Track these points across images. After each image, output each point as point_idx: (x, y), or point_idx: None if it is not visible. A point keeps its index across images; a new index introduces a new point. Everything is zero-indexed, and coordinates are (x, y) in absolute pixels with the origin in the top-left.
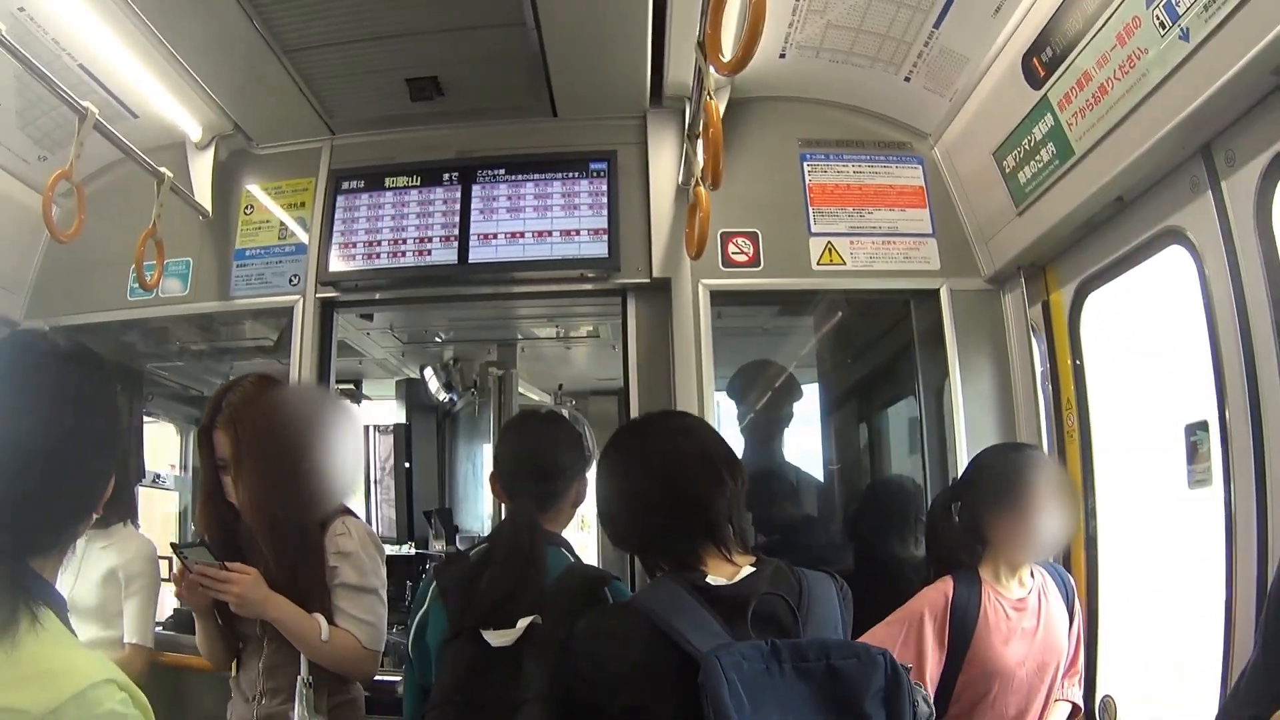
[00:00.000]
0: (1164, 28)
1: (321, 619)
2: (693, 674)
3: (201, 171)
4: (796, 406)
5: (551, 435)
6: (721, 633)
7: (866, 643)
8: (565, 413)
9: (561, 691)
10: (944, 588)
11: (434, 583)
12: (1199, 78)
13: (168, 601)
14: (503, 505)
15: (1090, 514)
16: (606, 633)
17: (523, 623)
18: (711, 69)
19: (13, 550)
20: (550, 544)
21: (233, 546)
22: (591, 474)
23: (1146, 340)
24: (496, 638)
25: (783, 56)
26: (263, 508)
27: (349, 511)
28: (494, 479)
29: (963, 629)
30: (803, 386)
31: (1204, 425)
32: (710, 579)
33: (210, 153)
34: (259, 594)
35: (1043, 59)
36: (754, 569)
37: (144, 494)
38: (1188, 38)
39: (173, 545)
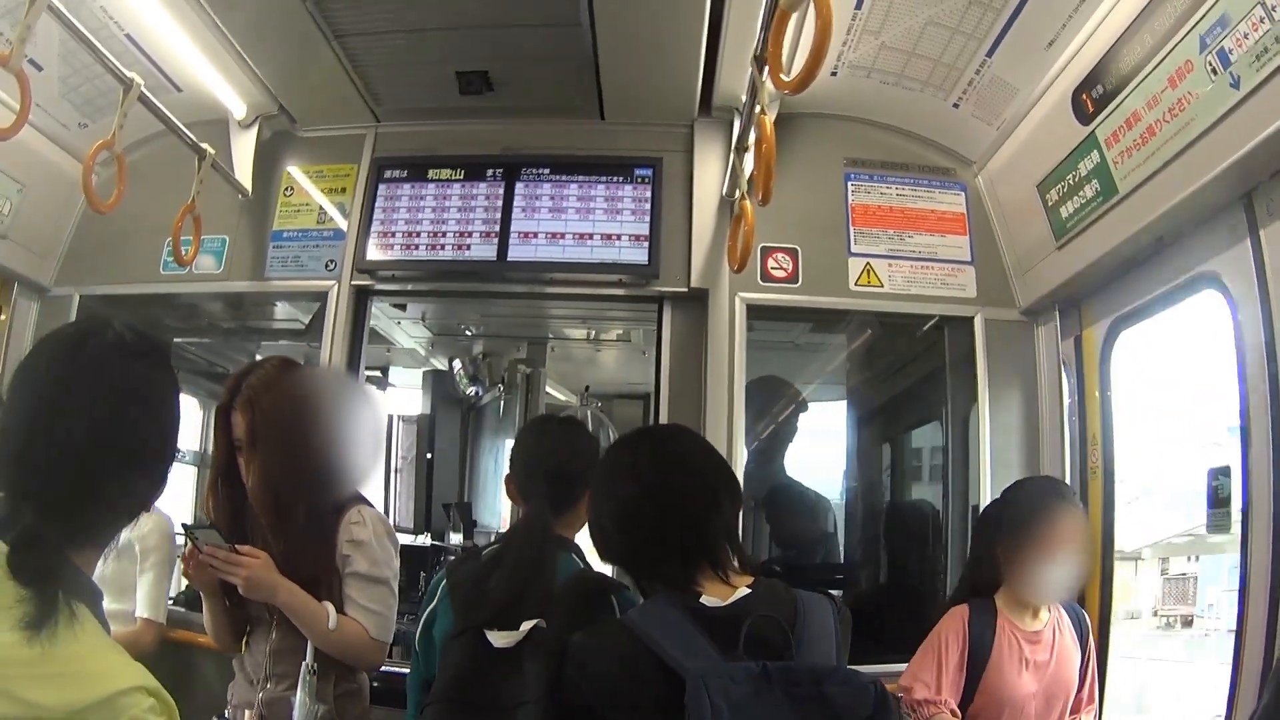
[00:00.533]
0: (1215, 74)
1: (330, 607)
2: (681, 695)
3: (243, 150)
4: (803, 422)
5: (568, 440)
6: (712, 654)
7: (857, 669)
8: (588, 415)
9: (557, 700)
10: (961, 614)
11: (445, 579)
12: (1246, 125)
13: (180, 578)
14: (516, 505)
15: (1109, 553)
16: (599, 649)
17: (526, 625)
18: (767, 83)
19: (58, 542)
20: (561, 549)
21: (240, 529)
22: None
23: (1176, 381)
24: (499, 638)
25: (834, 74)
26: (271, 490)
27: (364, 500)
28: (509, 481)
29: (978, 657)
30: (828, 404)
31: (1226, 470)
32: (704, 599)
33: (253, 132)
34: (268, 578)
35: (1093, 95)
36: (749, 590)
37: None
38: (1238, 85)
39: (184, 526)
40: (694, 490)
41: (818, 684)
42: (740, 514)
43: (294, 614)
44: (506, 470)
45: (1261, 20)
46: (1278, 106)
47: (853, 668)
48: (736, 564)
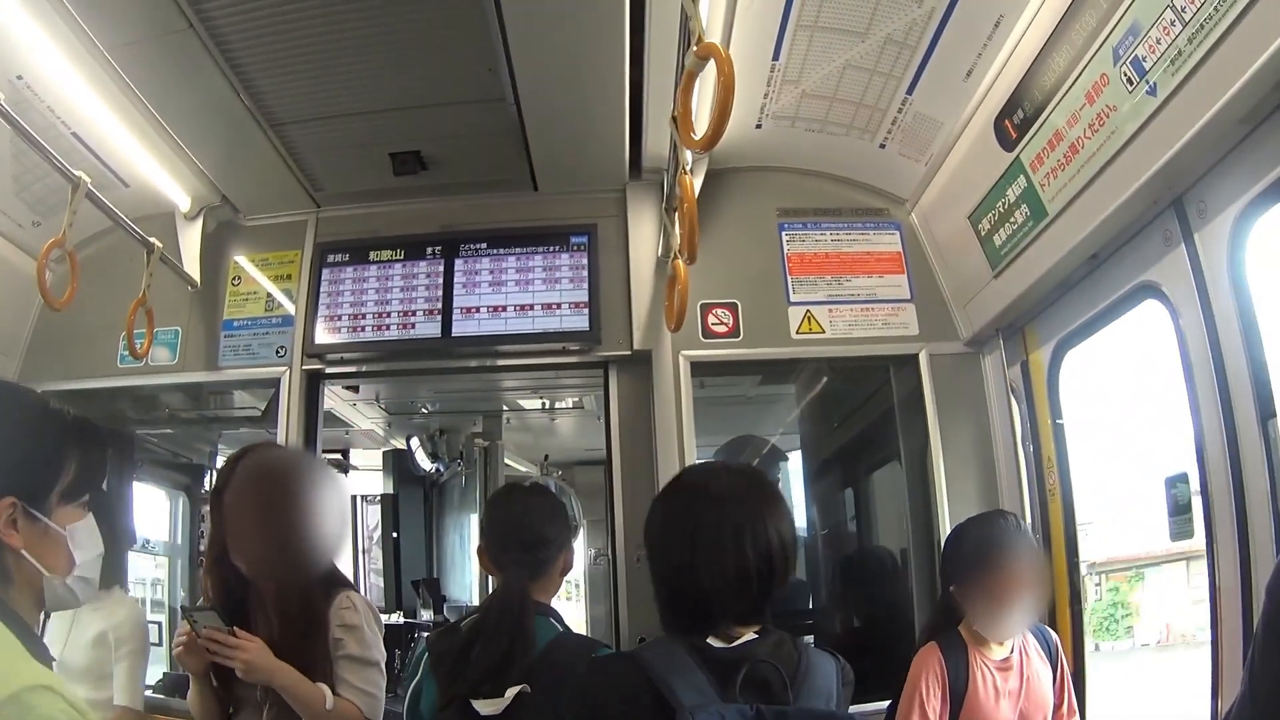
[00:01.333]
0: (1131, 84)
1: (326, 688)
2: None
3: (190, 241)
4: (779, 475)
5: (538, 507)
6: (710, 692)
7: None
8: (551, 484)
9: None
10: (934, 655)
11: (426, 654)
12: (1168, 131)
13: (157, 665)
14: (490, 577)
15: (1074, 570)
16: (603, 678)
17: (511, 691)
18: (684, 145)
19: None
20: (539, 614)
21: (239, 611)
22: (577, 543)
23: (1124, 394)
24: (485, 706)
25: (759, 127)
26: (262, 571)
27: (351, 585)
28: (482, 551)
29: (956, 693)
30: (787, 454)
31: (1184, 478)
32: (710, 640)
33: (199, 223)
34: (267, 662)
35: (1014, 120)
36: (756, 636)
37: (132, 559)
38: (1155, 92)
39: (182, 608)
40: (757, 557)
41: None
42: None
43: (292, 696)
44: (473, 544)
45: (1172, 24)
46: (1198, 108)
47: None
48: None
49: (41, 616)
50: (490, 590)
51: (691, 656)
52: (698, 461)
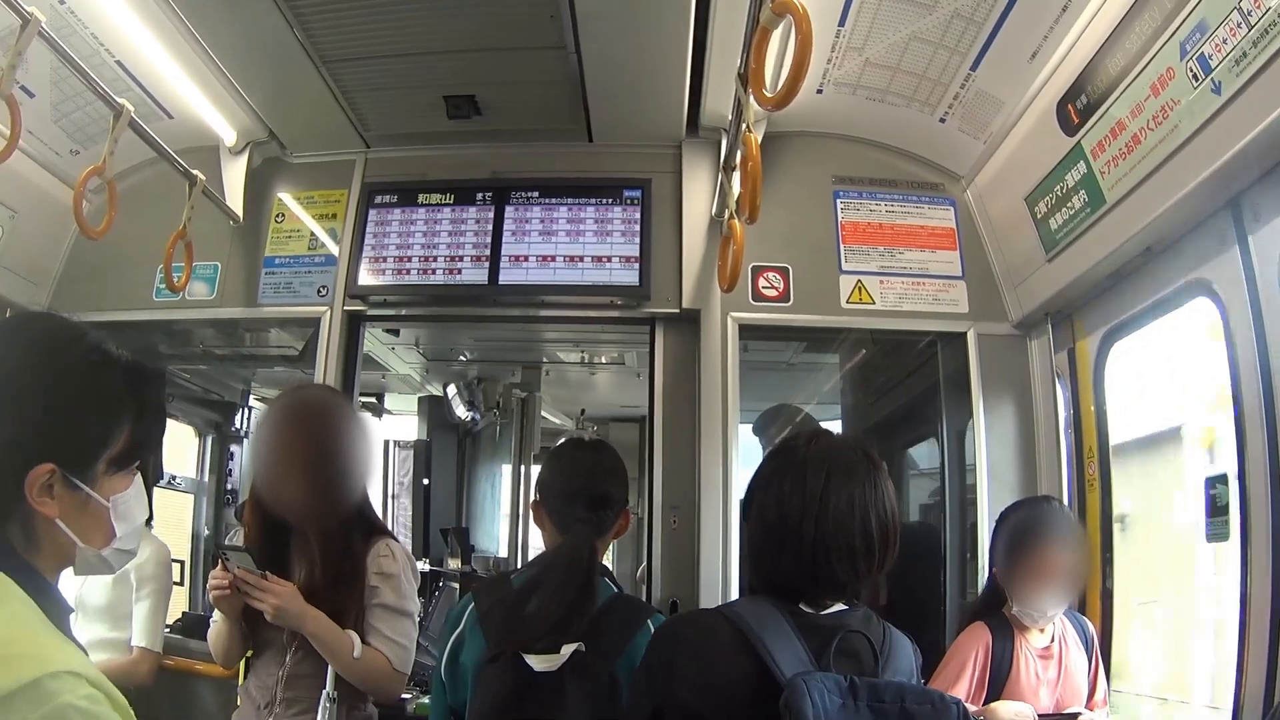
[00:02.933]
0: (1196, 80)
1: (355, 636)
2: (768, 692)
3: (234, 176)
4: None
5: (604, 464)
6: (805, 659)
7: (941, 690)
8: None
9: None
10: (983, 637)
11: (471, 605)
12: (1230, 131)
13: (176, 605)
14: (543, 531)
15: (1107, 564)
16: (694, 633)
17: (567, 649)
18: (752, 101)
19: None
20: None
21: (278, 552)
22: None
23: (1169, 390)
24: (540, 662)
25: (820, 92)
26: (289, 510)
27: (389, 533)
28: (538, 506)
29: (998, 677)
30: (825, 424)
31: (1223, 478)
32: (803, 605)
33: (244, 158)
34: (297, 607)
35: (1077, 106)
36: (845, 607)
37: (159, 496)
38: (1219, 91)
39: (218, 547)
40: (862, 533)
41: (901, 700)
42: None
43: (320, 642)
44: (504, 494)
45: (1239, 25)
46: (1259, 110)
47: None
48: (855, 583)
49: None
50: (520, 542)
51: (787, 621)
52: (741, 426)
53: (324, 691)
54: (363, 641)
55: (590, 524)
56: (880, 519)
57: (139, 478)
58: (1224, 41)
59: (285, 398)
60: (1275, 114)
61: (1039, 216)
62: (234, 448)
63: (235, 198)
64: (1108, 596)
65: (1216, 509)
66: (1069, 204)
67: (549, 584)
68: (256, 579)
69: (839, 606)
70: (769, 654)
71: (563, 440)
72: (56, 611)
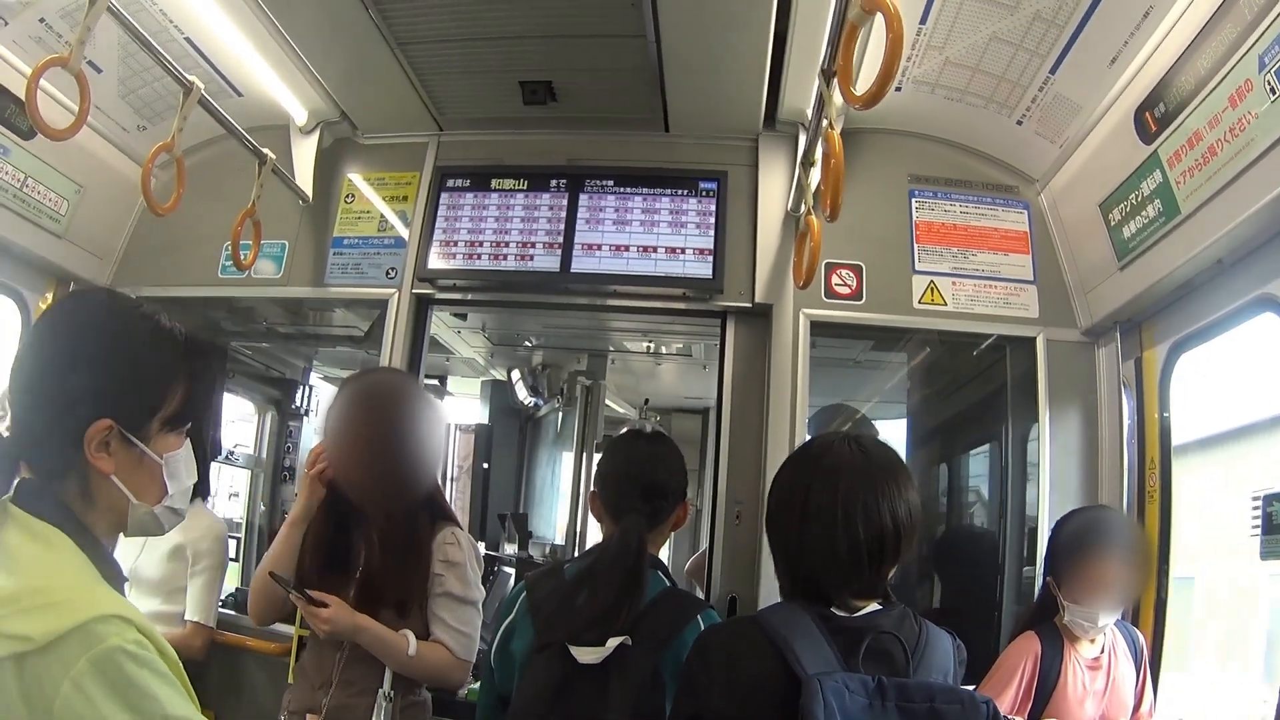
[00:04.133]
0: (1274, 93)
1: (409, 634)
2: (795, 693)
3: (304, 155)
4: None
5: (660, 456)
6: (834, 661)
7: (971, 690)
8: (649, 426)
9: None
10: (1034, 646)
11: (524, 593)
12: None
13: (230, 581)
14: (584, 519)
15: (1164, 575)
16: (727, 639)
17: (613, 642)
18: (835, 97)
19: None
20: (650, 566)
21: (341, 532)
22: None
23: (1235, 405)
24: (585, 654)
25: (899, 89)
26: (361, 494)
27: (454, 520)
28: (594, 496)
29: (1045, 687)
30: (887, 422)
31: None
32: (834, 609)
33: (314, 138)
34: (347, 622)
35: (1155, 114)
36: (879, 607)
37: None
38: None
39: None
40: (888, 530)
41: (930, 700)
42: (897, 535)
43: (375, 649)
44: (564, 481)
45: None
46: None
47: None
48: (867, 586)
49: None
50: (578, 530)
51: (816, 624)
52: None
53: (380, 690)
54: (427, 631)
55: (643, 513)
56: (874, 520)
57: (189, 444)
58: None
59: (361, 380)
60: None
61: (1112, 224)
62: (293, 424)
63: (305, 177)
64: (1161, 607)
65: (1272, 527)
66: (1143, 213)
67: (598, 574)
68: (302, 603)
69: (872, 607)
70: (794, 655)
71: (622, 431)
72: (110, 571)
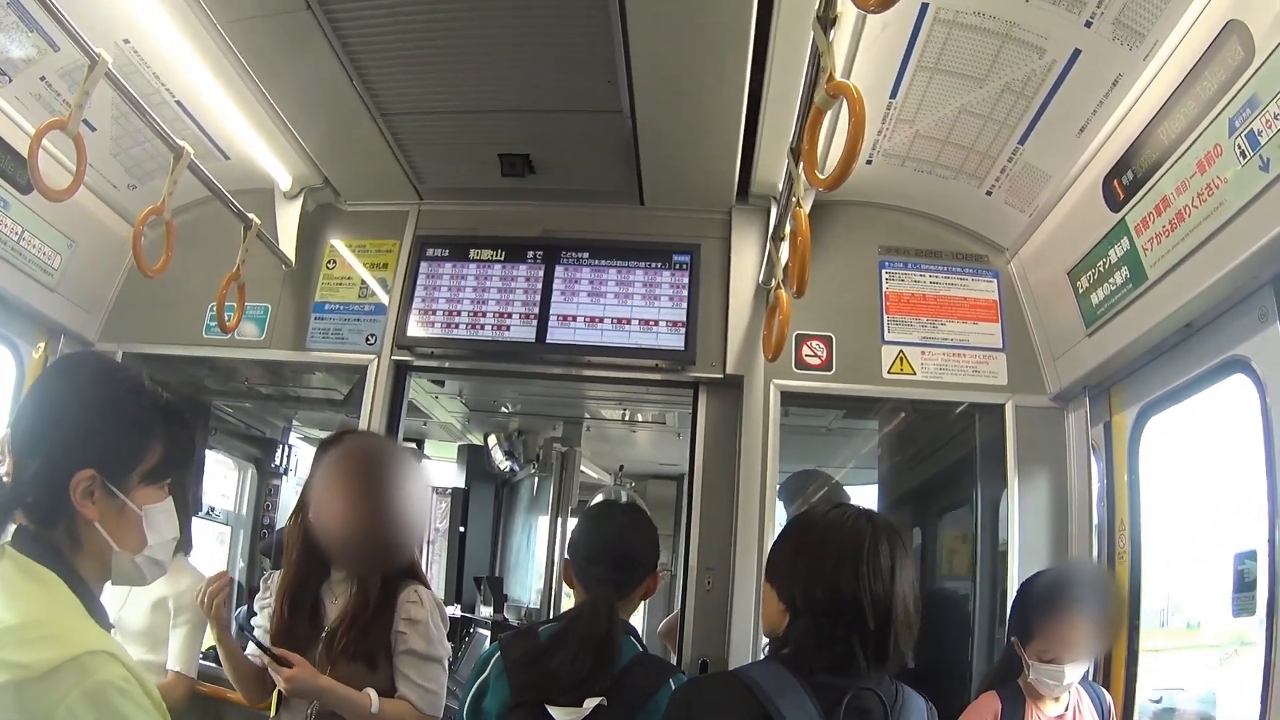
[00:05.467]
0: (1244, 156)
1: (372, 693)
2: None
3: (288, 220)
4: None
5: (632, 527)
6: (814, 714)
7: None
8: (623, 494)
9: None
10: (994, 705)
11: (498, 653)
12: (1276, 208)
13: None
14: (572, 589)
15: (1134, 633)
16: (709, 694)
17: (590, 703)
18: (803, 176)
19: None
20: (623, 632)
21: (313, 567)
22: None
23: (1203, 465)
24: (562, 714)
25: (869, 163)
26: (344, 559)
27: (422, 580)
28: (567, 565)
29: None
30: (859, 488)
31: (1253, 555)
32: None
33: (298, 203)
34: (310, 681)
35: (1123, 181)
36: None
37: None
38: (1268, 168)
39: (249, 594)
40: (887, 606)
41: None
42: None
43: (338, 708)
44: (539, 546)
45: None
46: None
47: None
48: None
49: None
50: (553, 593)
51: (798, 680)
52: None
53: None
54: (393, 688)
55: (611, 584)
56: (916, 601)
57: (170, 500)
58: (1275, 117)
59: (351, 444)
60: None
61: (1081, 291)
62: (274, 482)
63: (288, 241)
64: (1133, 663)
65: (1244, 584)
66: (1111, 279)
67: (570, 643)
68: (269, 660)
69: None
70: (778, 711)
71: (595, 501)
72: (98, 613)
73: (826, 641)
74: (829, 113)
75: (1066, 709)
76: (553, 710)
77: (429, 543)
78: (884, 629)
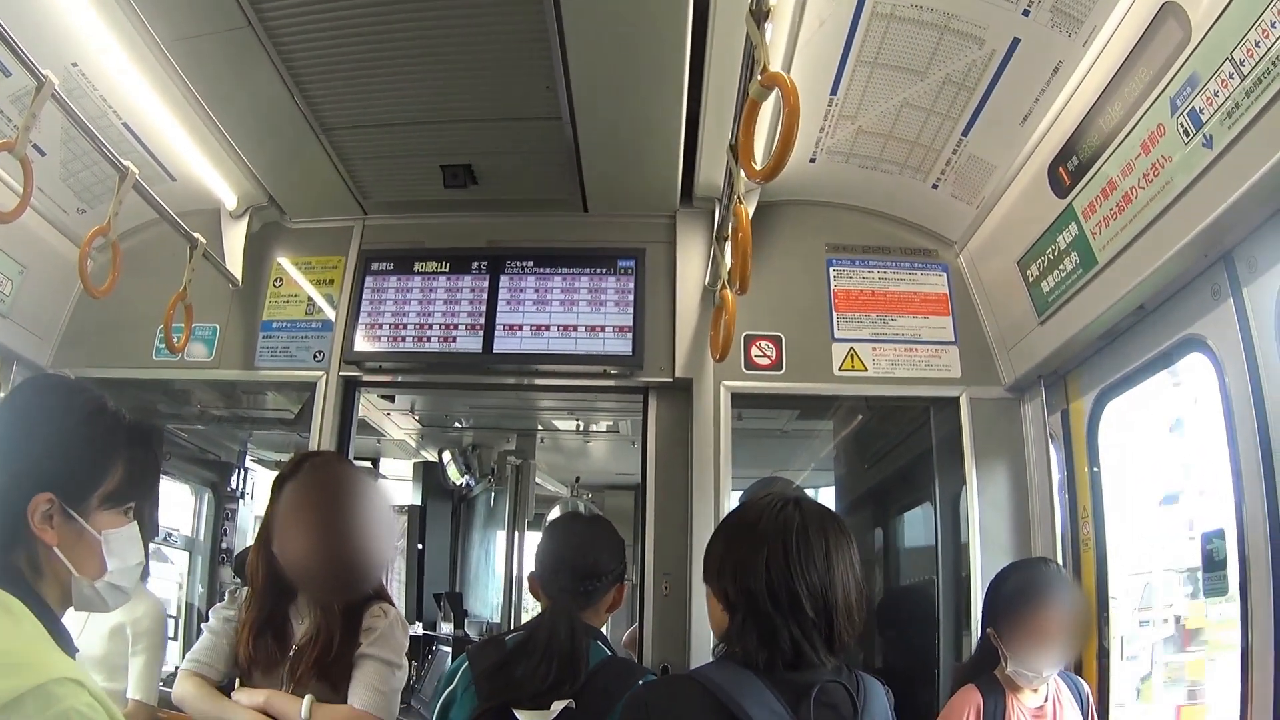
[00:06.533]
0: (1188, 135)
1: (308, 698)
2: None
3: (234, 240)
4: None
5: (594, 538)
6: (784, 715)
7: None
8: (581, 506)
9: None
10: (974, 698)
11: (465, 664)
12: (1222, 185)
13: (171, 659)
14: (539, 602)
15: (1104, 624)
16: (668, 697)
17: (558, 705)
18: (742, 174)
19: None
20: (589, 636)
21: (279, 596)
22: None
23: (1166, 446)
24: (529, 717)
25: (813, 161)
26: (310, 587)
27: (388, 600)
28: (533, 578)
29: None
30: (819, 490)
31: (1220, 534)
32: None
33: (244, 222)
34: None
35: (1068, 167)
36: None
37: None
38: (1211, 145)
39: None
40: (839, 592)
41: None
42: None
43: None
44: (498, 560)
45: (1230, 76)
46: (1252, 162)
47: None
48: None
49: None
50: (513, 607)
51: (760, 678)
52: (732, 494)
53: None
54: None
55: (573, 594)
56: (858, 586)
57: (134, 525)
58: (1215, 94)
59: (315, 477)
60: (1269, 163)
61: (1031, 280)
62: (230, 506)
63: (235, 261)
64: (1104, 656)
65: (1214, 564)
66: (1061, 266)
67: (534, 652)
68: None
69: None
70: (741, 709)
71: (558, 513)
72: (63, 638)
73: (768, 637)
74: (769, 109)
75: (1046, 699)
76: (520, 713)
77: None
78: (826, 618)
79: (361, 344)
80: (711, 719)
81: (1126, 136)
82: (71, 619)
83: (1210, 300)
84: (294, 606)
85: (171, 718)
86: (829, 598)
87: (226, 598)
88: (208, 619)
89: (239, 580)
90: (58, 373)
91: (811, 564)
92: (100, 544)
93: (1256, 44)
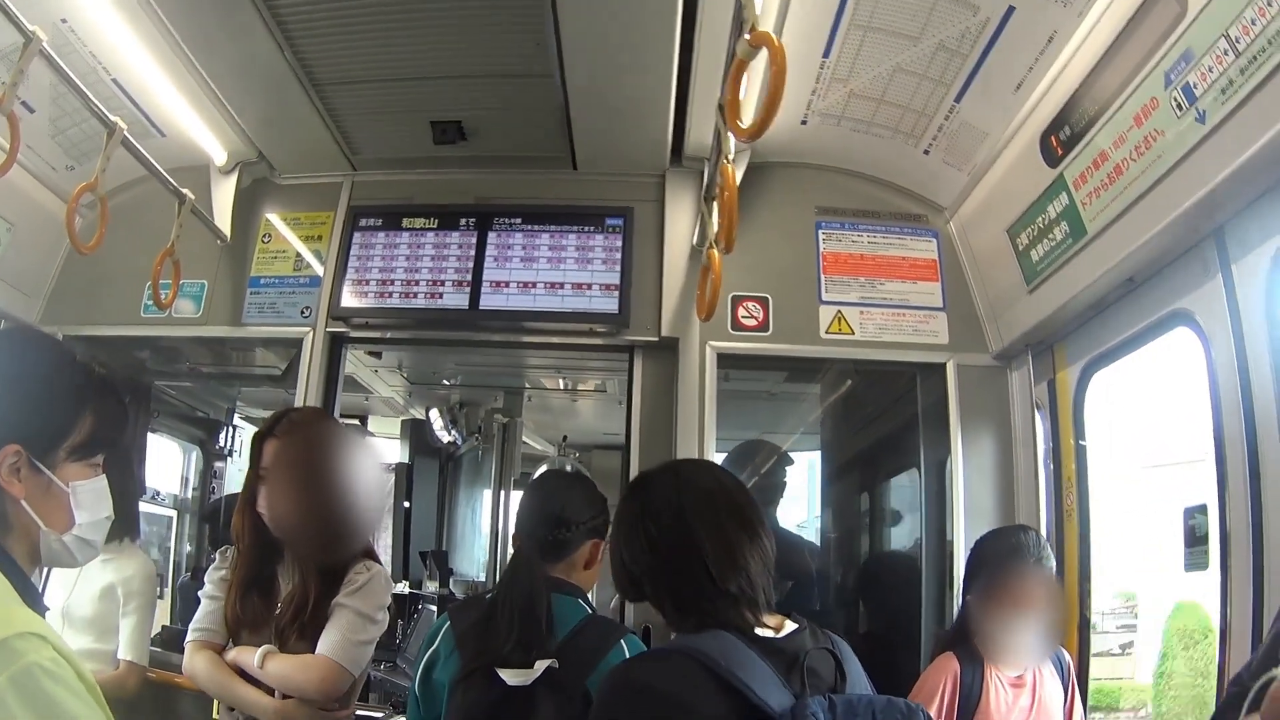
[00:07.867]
0: (1180, 109)
1: (263, 648)
2: (740, 715)
3: (223, 196)
4: (788, 476)
5: (568, 488)
6: (783, 687)
7: (905, 699)
8: (568, 465)
9: None
10: (951, 666)
11: (447, 624)
12: (1214, 160)
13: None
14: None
15: (1085, 594)
16: (657, 678)
17: (541, 664)
18: (730, 133)
19: None
20: (563, 592)
21: (266, 555)
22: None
23: (1150, 419)
24: (513, 676)
25: (804, 123)
26: (298, 546)
27: (375, 558)
28: (515, 535)
29: (967, 706)
30: (805, 454)
31: (1203, 509)
32: (759, 631)
33: (233, 178)
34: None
35: (1060, 137)
36: (797, 625)
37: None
38: (1204, 120)
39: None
40: (739, 524)
41: (872, 713)
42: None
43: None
44: (485, 518)
45: (1225, 53)
46: (1245, 139)
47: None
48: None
49: (43, 568)
50: (499, 566)
51: (751, 648)
52: (716, 455)
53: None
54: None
55: (542, 543)
56: (744, 509)
57: (103, 478)
58: (1210, 70)
59: (299, 435)
60: (1262, 140)
61: (1021, 248)
62: (218, 464)
63: (224, 217)
64: (1085, 626)
65: (1195, 539)
66: (1050, 235)
67: (503, 601)
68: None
69: (791, 625)
70: (749, 689)
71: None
72: (29, 594)
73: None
74: (760, 67)
75: (1026, 669)
76: (503, 673)
77: None
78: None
79: (349, 300)
80: (718, 698)
81: (1119, 108)
82: (60, 580)
83: (1200, 275)
84: (282, 565)
85: (162, 677)
86: (754, 552)
87: (218, 558)
88: (202, 584)
89: (206, 527)
90: (29, 325)
91: (735, 523)
92: (68, 496)
93: (1253, 22)
